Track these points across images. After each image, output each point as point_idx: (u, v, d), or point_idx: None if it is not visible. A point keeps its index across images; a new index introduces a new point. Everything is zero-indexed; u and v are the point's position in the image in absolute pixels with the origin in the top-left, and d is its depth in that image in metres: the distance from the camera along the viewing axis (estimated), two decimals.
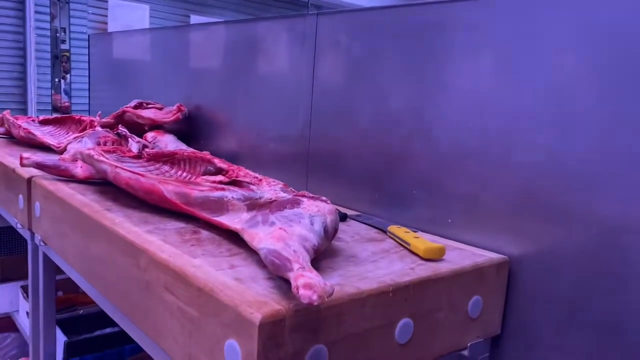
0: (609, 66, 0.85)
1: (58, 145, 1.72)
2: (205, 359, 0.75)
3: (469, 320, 0.93)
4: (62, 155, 1.43)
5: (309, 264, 0.73)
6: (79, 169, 1.35)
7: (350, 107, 1.30)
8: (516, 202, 0.97)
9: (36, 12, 4.26)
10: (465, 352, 0.95)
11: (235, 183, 1.08)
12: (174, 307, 0.81)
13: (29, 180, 1.40)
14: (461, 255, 0.97)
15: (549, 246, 0.93)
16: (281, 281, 0.75)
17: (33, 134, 1.81)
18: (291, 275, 0.67)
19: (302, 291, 0.63)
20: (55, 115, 2.62)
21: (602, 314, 0.87)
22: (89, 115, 2.25)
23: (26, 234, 1.49)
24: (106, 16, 3.91)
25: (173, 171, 1.26)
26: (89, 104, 2.76)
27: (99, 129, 1.68)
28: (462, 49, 1.05)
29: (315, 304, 0.62)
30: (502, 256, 0.98)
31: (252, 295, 0.71)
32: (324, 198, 0.94)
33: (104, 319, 1.84)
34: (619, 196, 0.84)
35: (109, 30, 4.12)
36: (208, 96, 1.87)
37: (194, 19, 4.28)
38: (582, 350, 0.90)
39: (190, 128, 1.88)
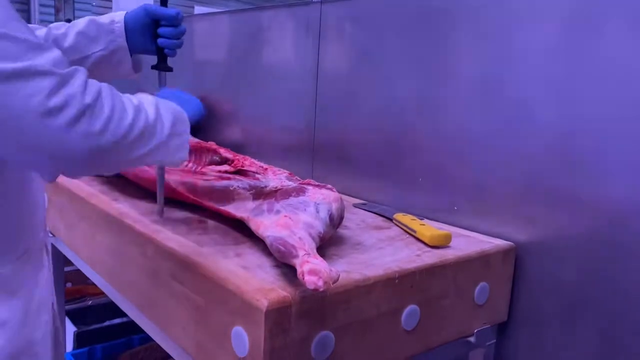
0: (620, 50, 0.84)
1: None
2: (213, 346, 0.76)
3: (475, 306, 0.93)
4: None
5: (315, 251, 0.73)
6: None
7: (356, 96, 1.30)
8: (522, 188, 0.97)
9: (40, 5, 4.27)
10: (472, 339, 0.95)
11: (240, 172, 1.09)
12: (181, 296, 0.82)
13: None
14: (467, 242, 0.96)
15: (556, 232, 0.93)
16: (287, 268, 0.75)
17: None
18: (297, 262, 0.67)
19: (307, 277, 0.63)
20: None
21: (609, 300, 0.87)
22: None
23: None
24: (110, 8, 3.90)
25: None
26: None
27: None
28: (468, 37, 1.05)
29: (321, 290, 0.63)
30: (509, 243, 0.98)
31: (258, 283, 0.71)
32: (329, 186, 0.94)
33: (113, 309, 1.86)
34: (626, 181, 0.84)
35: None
36: (213, 87, 1.87)
37: (198, 9, 4.27)
38: (589, 335, 0.90)
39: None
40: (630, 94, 0.82)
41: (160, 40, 0.93)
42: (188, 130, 0.80)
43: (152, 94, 0.82)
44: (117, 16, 0.95)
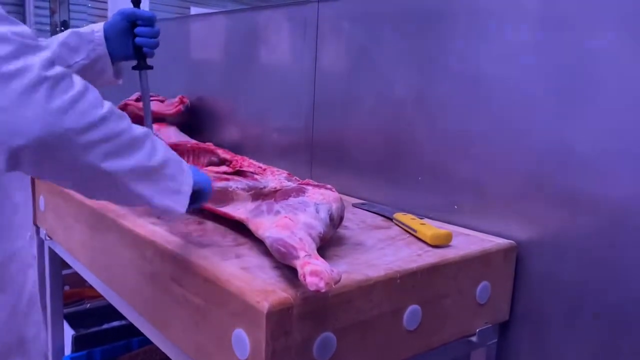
0: (622, 47, 0.83)
1: None
2: (213, 349, 0.75)
3: (477, 306, 0.93)
4: None
5: (315, 251, 0.72)
6: None
7: (354, 95, 1.29)
8: (523, 186, 0.96)
9: (36, 7, 4.25)
10: (474, 339, 0.94)
11: (239, 173, 1.08)
12: (181, 298, 0.81)
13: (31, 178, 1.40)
14: (468, 241, 0.96)
15: (557, 230, 0.92)
16: (288, 270, 0.75)
17: None
18: (297, 263, 0.67)
19: (309, 278, 0.62)
20: None
21: (611, 298, 0.86)
22: None
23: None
24: (106, 9, 3.90)
25: None
26: None
27: None
28: (466, 35, 1.04)
29: (323, 291, 0.62)
30: (510, 241, 0.97)
31: (259, 284, 0.71)
32: (329, 186, 0.94)
33: (111, 312, 1.84)
34: (627, 179, 0.83)
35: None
36: (210, 87, 1.86)
37: (194, 10, 4.26)
38: (591, 334, 0.89)
39: (192, 120, 1.87)
40: (630, 92, 0.82)
41: (137, 40, 0.98)
42: (188, 183, 0.74)
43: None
44: (96, 26, 0.99)
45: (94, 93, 0.62)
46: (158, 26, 1.00)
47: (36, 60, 0.58)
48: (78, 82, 0.61)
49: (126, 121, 0.66)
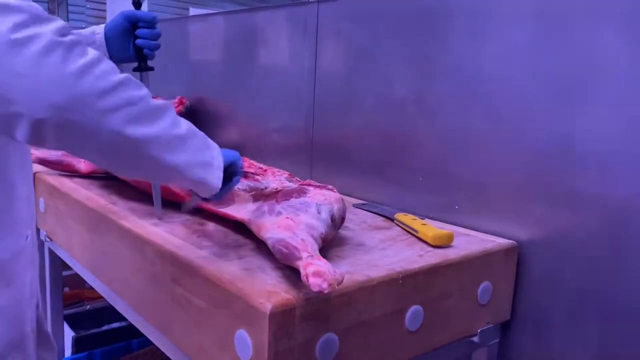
0: (623, 46, 0.83)
1: None
2: (216, 350, 0.75)
3: (478, 306, 0.93)
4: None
5: (318, 252, 0.72)
6: (82, 164, 1.35)
7: (354, 95, 1.29)
8: (523, 186, 0.96)
9: None
10: (476, 339, 0.94)
11: None
12: (183, 299, 0.81)
13: (33, 176, 1.39)
14: (469, 241, 0.96)
15: (558, 230, 0.92)
16: (290, 270, 0.74)
17: None
18: (300, 264, 0.66)
19: (312, 279, 0.62)
20: None
21: (612, 298, 0.86)
22: None
23: None
24: (105, 10, 3.89)
25: None
26: None
27: None
28: (465, 33, 1.04)
29: (326, 292, 0.62)
30: (511, 241, 0.97)
31: (261, 285, 0.71)
32: (330, 187, 0.94)
33: (111, 313, 1.85)
34: (628, 178, 0.83)
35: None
36: (209, 88, 1.86)
37: (193, 11, 4.26)
38: (592, 333, 0.89)
39: (192, 121, 1.85)
40: (630, 91, 0.82)
41: (138, 41, 0.98)
42: (218, 157, 0.73)
43: None
44: (97, 28, 0.99)
45: (109, 62, 0.62)
46: (159, 28, 1.00)
47: (49, 28, 0.58)
48: (92, 51, 0.61)
49: (144, 90, 0.65)
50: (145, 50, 0.98)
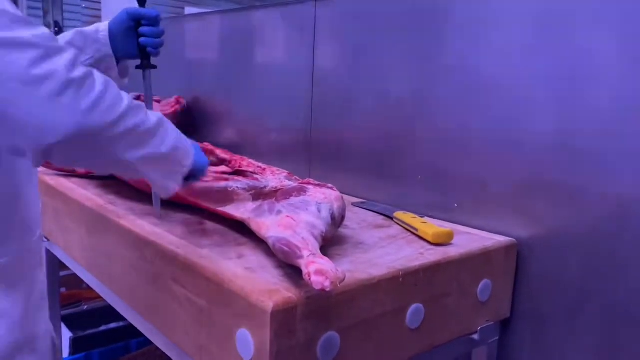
0: (621, 44, 0.84)
1: None
2: (217, 349, 0.75)
3: (478, 304, 0.93)
4: None
5: (318, 251, 0.72)
6: None
7: (352, 94, 1.29)
8: (523, 184, 0.97)
9: (29, 7, 4.22)
10: (476, 336, 0.94)
11: (239, 173, 1.07)
12: (183, 299, 0.80)
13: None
14: (469, 239, 0.96)
15: (558, 228, 0.92)
16: (290, 269, 0.74)
17: None
18: (302, 263, 0.66)
19: (314, 278, 0.62)
20: None
21: (611, 295, 0.87)
22: None
23: None
24: (100, 10, 3.87)
25: None
26: None
27: None
28: (464, 31, 1.04)
29: (328, 290, 0.62)
30: (510, 239, 0.97)
31: (262, 284, 0.70)
32: (330, 185, 0.93)
33: (108, 313, 1.84)
34: (627, 176, 0.83)
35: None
36: (206, 87, 1.86)
37: (188, 10, 4.24)
38: (591, 330, 0.90)
39: (189, 120, 1.86)
40: (630, 90, 0.82)
41: (142, 39, 0.97)
42: (188, 165, 0.81)
43: None
44: (101, 25, 1.00)
45: (114, 88, 0.67)
46: (163, 26, 1.00)
47: (61, 63, 0.61)
48: (99, 78, 0.65)
49: (142, 112, 0.71)
50: (148, 49, 0.97)
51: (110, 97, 0.65)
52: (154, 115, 0.74)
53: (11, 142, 0.65)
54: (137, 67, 0.99)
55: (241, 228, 0.93)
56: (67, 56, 0.62)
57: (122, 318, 1.06)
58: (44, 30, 0.63)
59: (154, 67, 1.00)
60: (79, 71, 0.62)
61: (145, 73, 0.99)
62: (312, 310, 0.68)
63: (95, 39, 0.97)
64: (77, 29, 0.99)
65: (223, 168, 1.13)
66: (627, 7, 0.82)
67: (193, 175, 0.84)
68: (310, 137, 1.41)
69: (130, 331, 1.73)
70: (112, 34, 0.97)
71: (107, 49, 0.97)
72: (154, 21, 0.97)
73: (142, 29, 0.97)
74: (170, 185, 0.80)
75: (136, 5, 0.99)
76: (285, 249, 0.71)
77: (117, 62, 1.00)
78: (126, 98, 0.68)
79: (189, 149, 0.82)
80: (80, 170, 1.33)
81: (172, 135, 0.77)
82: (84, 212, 1.11)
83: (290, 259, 0.70)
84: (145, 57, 0.98)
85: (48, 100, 0.59)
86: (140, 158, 0.71)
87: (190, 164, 0.81)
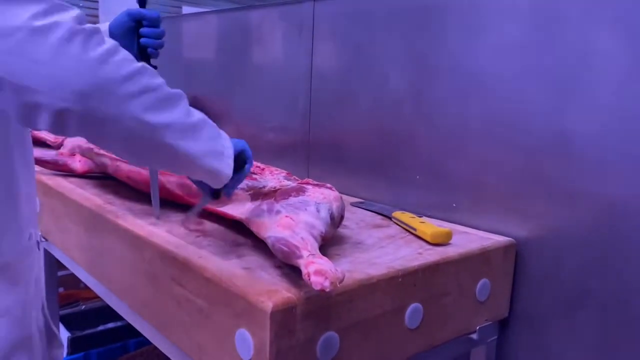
0: (619, 43, 0.84)
1: (55, 140, 1.70)
2: (216, 349, 0.75)
3: (477, 303, 0.93)
4: (60, 150, 1.42)
5: (318, 251, 0.72)
6: (78, 164, 1.34)
7: (350, 94, 1.29)
8: (521, 184, 0.97)
9: None
10: (474, 336, 0.94)
11: None
12: (182, 299, 0.80)
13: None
14: (467, 239, 0.96)
15: (556, 228, 0.93)
16: (289, 269, 0.74)
17: None
18: (301, 263, 0.66)
19: (313, 278, 0.62)
20: None
21: (609, 294, 0.87)
22: None
23: None
24: (97, 9, 3.87)
25: None
26: None
27: None
28: (461, 30, 1.04)
29: (327, 290, 0.62)
30: (509, 239, 0.98)
31: (262, 284, 0.70)
32: (328, 185, 0.94)
33: (106, 313, 1.84)
34: (625, 175, 0.84)
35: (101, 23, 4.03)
36: (204, 87, 1.85)
37: (186, 10, 4.24)
38: (590, 330, 0.90)
39: None
40: (629, 89, 0.82)
41: (142, 40, 0.97)
42: (228, 145, 0.75)
43: None
44: (102, 26, 0.98)
45: (125, 51, 0.63)
46: (163, 27, 1.00)
47: (69, 15, 0.59)
48: (109, 40, 0.62)
49: (160, 78, 0.66)
50: (148, 50, 0.98)
51: (123, 54, 0.61)
52: (174, 90, 0.69)
53: (25, 98, 0.58)
54: None
55: (240, 228, 0.93)
56: (74, 12, 0.60)
57: (120, 318, 1.06)
58: None
59: (154, 67, 1.00)
60: (87, 25, 0.60)
61: None
62: (311, 310, 0.68)
63: None
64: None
65: None
66: (625, 5, 0.82)
67: (241, 162, 0.78)
68: (309, 136, 1.41)
69: (129, 331, 1.73)
70: (113, 34, 0.97)
71: None
72: (155, 22, 0.97)
73: (143, 30, 0.97)
74: (220, 167, 0.72)
75: (133, 5, 0.99)
76: (285, 249, 0.71)
77: None
78: (138, 62, 0.64)
79: (219, 131, 0.76)
80: (78, 169, 1.33)
81: (196, 110, 0.72)
82: (82, 212, 1.11)
83: (290, 259, 0.70)
84: (145, 58, 0.98)
85: (55, 49, 0.56)
86: (168, 124, 0.65)
87: (230, 145, 0.75)
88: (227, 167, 0.74)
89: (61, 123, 0.59)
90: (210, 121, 0.74)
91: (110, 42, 0.61)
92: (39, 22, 0.56)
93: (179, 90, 0.69)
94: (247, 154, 0.82)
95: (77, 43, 0.57)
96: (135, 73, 0.61)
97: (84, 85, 0.57)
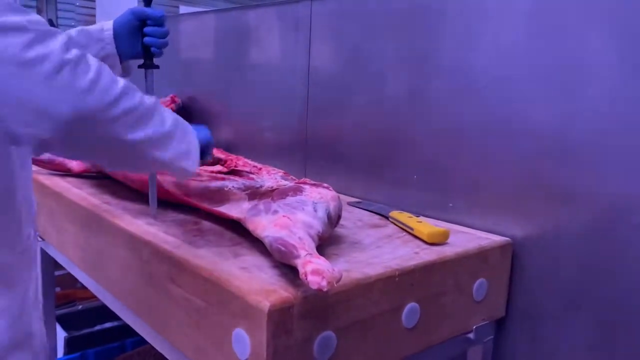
0: (615, 44, 0.84)
1: None
2: (213, 349, 0.75)
3: (474, 303, 0.93)
4: None
5: (315, 250, 0.72)
6: (74, 163, 1.34)
7: (348, 93, 1.29)
8: (518, 183, 0.97)
9: (23, 5, 4.19)
10: (471, 335, 0.95)
11: (234, 172, 1.07)
12: (179, 298, 0.80)
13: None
14: (464, 239, 0.96)
15: (553, 227, 0.93)
16: (287, 269, 0.74)
17: None
18: (298, 262, 0.66)
19: (310, 277, 0.62)
20: None
21: (606, 294, 0.87)
22: None
23: None
24: (94, 8, 3.85)
25: None
26: None
27: None
28: (458, 31, 1.04)
29: (325, 289, 0.62)
30: (506, 238, 0.98)
31: (259, 284, 0.70)
32: (326, 185, 0.94)
33: (103, 313, 1.84)
34: (622, 175, 0.84)
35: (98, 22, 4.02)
36: (201, 87, 1.85)
37: (183, 9, 4.23)
38: (586, 329, 0.90)
39: (184, 119, 1.86)
40: (626, 87, 0.83)
41: (146, 39, 0.97)
42: (195, 142, 0.81)
43: None
44: (106, 24, 1.00)
45: (107, 70, 0.67)
46: (167, 26, 1.00)
47: (56, 45, 0.61)
48: (92, 61, 0.65)
49: (138, 93, 0.71)
50: (152, 49, 0.98)
51: (106, 79, 0.65)
52: (149, 98, 0.74)
53: (10, 128, 0.62)
54: (140, 66, 0.99)
55: (237, 228, 0.93)
56: (60, 39, 0.62)
57: (117, 318, 1.05)
58: (36, 16, 0.63)
59: (157, 67, 1.00)
60: (73, 53, 0.63)
61: (148, 72, 0.99)
62: (308, 310, 0.68)
63: (100, 38, 0.97)
64: (81, 27, 1.00)
65: (219, 167, 1.13)
66: (622, 7, 0.82)
67: (203, 151, 0.85)
68: (306, 136, 1.41)
69: (126, 331, 1.72)
70: (117, 32, 0.97)
71: (111, 48, 0.98)
72: (159, 21, 0.97)
73: (147, 29, 0.97)
74: (187, 165, 0.80)
75: (133, 4, 0.99)
76: (282, 248, 0.71)
77: (120, 61, 1.00)
78: (121, 80, 0.68)
79: (188, 126, 0.82)
80: (75, 169, 1.33)
81: (169, 113, 0.78)
82: (79, 211, 1.11)
83: (287, 259, 0.70)
84: (148, 57, 0.98)
85: (45, 81, 0.59)
86: (145, 139, 0.71)
87: (197, 141, 0.82)
88: (192, 165, 0.81)
89: (46, 149, 0.64)
90: (180, 119, 0.81)
91: (94, 66, 0.64)
92: (29, 53, 0.59)
93: (153, 99, 0.75)
94: (209, 146, 0.89)
95: (65, 74, 0.61)
96: (119, 97, 0.66)
97: (71, 115, 0.61)
